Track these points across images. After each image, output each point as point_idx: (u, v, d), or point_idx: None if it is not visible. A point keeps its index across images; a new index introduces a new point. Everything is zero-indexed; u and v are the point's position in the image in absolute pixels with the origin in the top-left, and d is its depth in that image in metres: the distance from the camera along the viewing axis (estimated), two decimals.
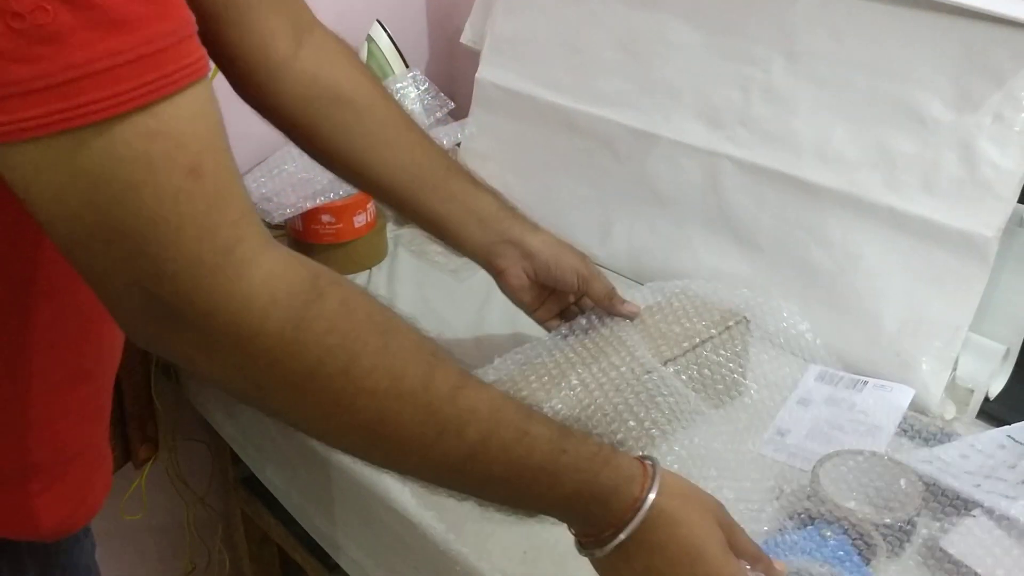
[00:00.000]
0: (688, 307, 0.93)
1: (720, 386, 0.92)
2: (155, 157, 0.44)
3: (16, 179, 0.45)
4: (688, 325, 0.90)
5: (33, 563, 0.72)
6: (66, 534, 0.74)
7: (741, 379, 0.95)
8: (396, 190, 0.86)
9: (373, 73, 0.89)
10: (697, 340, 0.89)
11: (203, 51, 0.47)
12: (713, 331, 0.90)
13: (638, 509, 0.60)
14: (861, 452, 0.84)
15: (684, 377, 0.87)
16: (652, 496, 0.60)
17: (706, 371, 0.90)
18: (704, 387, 0.90)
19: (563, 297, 0.93)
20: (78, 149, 0.43)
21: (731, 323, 0.92)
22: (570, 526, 0.63)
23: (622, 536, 0.60)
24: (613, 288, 0.90)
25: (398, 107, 0.88)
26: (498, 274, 0.89)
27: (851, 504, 0.81)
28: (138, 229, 0.45)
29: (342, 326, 0.51)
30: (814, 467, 0.82)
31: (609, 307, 0.89)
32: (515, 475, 0.58)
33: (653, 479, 0.61)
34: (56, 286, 0.63)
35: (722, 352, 0.91)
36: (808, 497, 0.81)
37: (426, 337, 0.56)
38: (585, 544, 0.63)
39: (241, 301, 0.47)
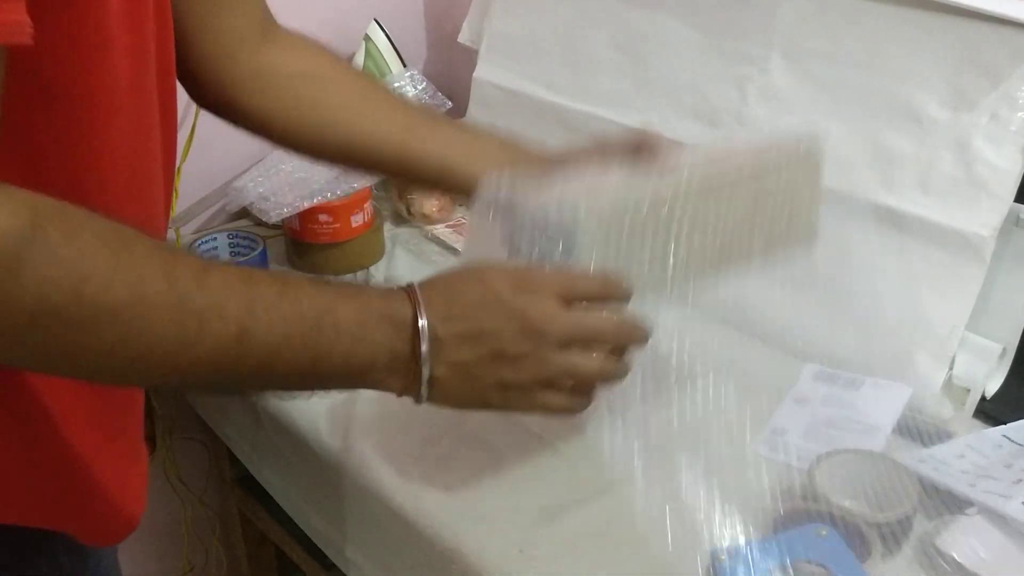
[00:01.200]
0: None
1: (783, 222, 0.81)
2: None
3: None
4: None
5: (68, 561, 0.72)
6: (116, 538, 0.76)
7: (811, 220, 0.84)
8: (388, 147, 0.82)
9: (333, 52, 0.88)
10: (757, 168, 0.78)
11: (22, 19, 0.45)
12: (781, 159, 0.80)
13: (417, 317, 0.59)
14: (858, 451, 0.84)
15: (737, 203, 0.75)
16: (423, 310, 0.59)
17: (768, 200, 0.79)
18: (766, 217, 0.79)
19: None
20: None
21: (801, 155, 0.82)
22: (379, 381, 0.61)
23: (424, 355, 0.59)
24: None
25: (371, 77, 0.87)
26: None
27: (848, 503, 0.81)
28: None
29: (65, 254, 0.49)
30: (811, 466, 0.82)
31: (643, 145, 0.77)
32: (296, 330, 0.56)
33: (414, 288, 0.61)
34: None
35: (784, 179, 0.80)
36: (804, 496, 0.81)
37: (160, 243, 0.55)
38: (410, 393, 0.62)
39: None
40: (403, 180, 0.85)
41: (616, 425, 0.87)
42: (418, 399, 0.62)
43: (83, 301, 0.49)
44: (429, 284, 0.62)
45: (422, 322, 0.59)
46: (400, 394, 0.62)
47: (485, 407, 0.64)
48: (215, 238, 1.23)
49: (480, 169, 0.76)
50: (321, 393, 0.67)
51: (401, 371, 0.60)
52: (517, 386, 0.62)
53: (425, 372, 0.60)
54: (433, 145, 0.81)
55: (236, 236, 1.22)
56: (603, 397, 0.71)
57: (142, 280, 0.51)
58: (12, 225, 0.47)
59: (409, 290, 0.61)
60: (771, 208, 0.78)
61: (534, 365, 0.61)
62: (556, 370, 0.62)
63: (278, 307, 0.56)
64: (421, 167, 0.82)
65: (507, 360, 0.61)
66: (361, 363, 0.59)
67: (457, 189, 0.82)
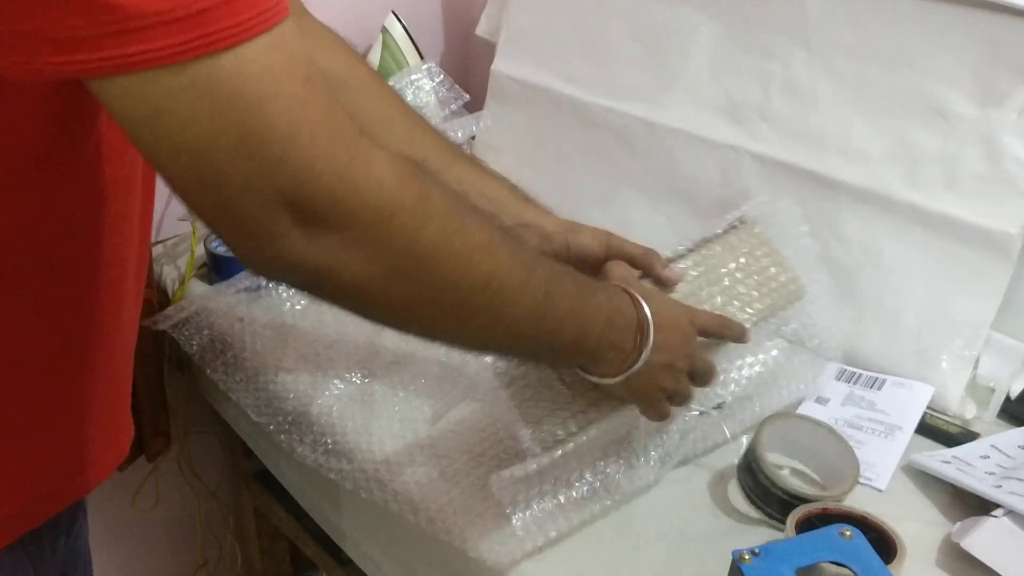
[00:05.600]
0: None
1: (764, 295, 0.87)
2: (278, 70, 0.48)
3: (142, 111, 0.47)
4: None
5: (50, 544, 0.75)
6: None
7: (793, 280, 0.90)
8: None
9: (365, 60, 0.87)
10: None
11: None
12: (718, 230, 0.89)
13: (645, 324, 0.70)
14: (806, 419, 0.88)
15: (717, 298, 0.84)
16: (647, 312, 0.71)
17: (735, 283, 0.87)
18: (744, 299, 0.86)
19: None
20: (213, 71, 0.46)
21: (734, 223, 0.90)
22: (602, 360, 0.70)
23: (645, 354, 0.70)
24: (651, 249, 0.84)
25: (394, 92, 0.86)
26: None
27: (786, 471, 0.83)
28: (278, 137, 0.48)
29: (448, 193, 0.57)
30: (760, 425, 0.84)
31: (648, 267, 0.83)
32: (577, 304, 0.65)
33: (638, 297, 0.71)
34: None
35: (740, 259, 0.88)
36: (747, 456, 0.83)
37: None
38: (606, 374, 0.72)
39: (377, 186, 0.52)
40: None
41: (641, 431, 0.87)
42: (620, 377, 0.72)
43: (465, 236, 0.57)
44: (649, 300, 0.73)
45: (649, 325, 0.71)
46: (608, 373, 0.71)
47: (647, 399, 0.75)
48: None
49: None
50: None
51: (616, 358, 0.71)
52: (667, 391, 0.75)
53: (639, 362, 0.71)
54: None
55: None
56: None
57: (488, 227, 0.60)
58: (411, 165, 0.55)
59: (635, 293, 0.72)
60: (745, 288, 0.87)
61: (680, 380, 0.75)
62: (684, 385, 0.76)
63: (563, 281, 0.65)
64: None
65: (673, 371, 0.74)
66: (606, 343, 0.69)
67: None
